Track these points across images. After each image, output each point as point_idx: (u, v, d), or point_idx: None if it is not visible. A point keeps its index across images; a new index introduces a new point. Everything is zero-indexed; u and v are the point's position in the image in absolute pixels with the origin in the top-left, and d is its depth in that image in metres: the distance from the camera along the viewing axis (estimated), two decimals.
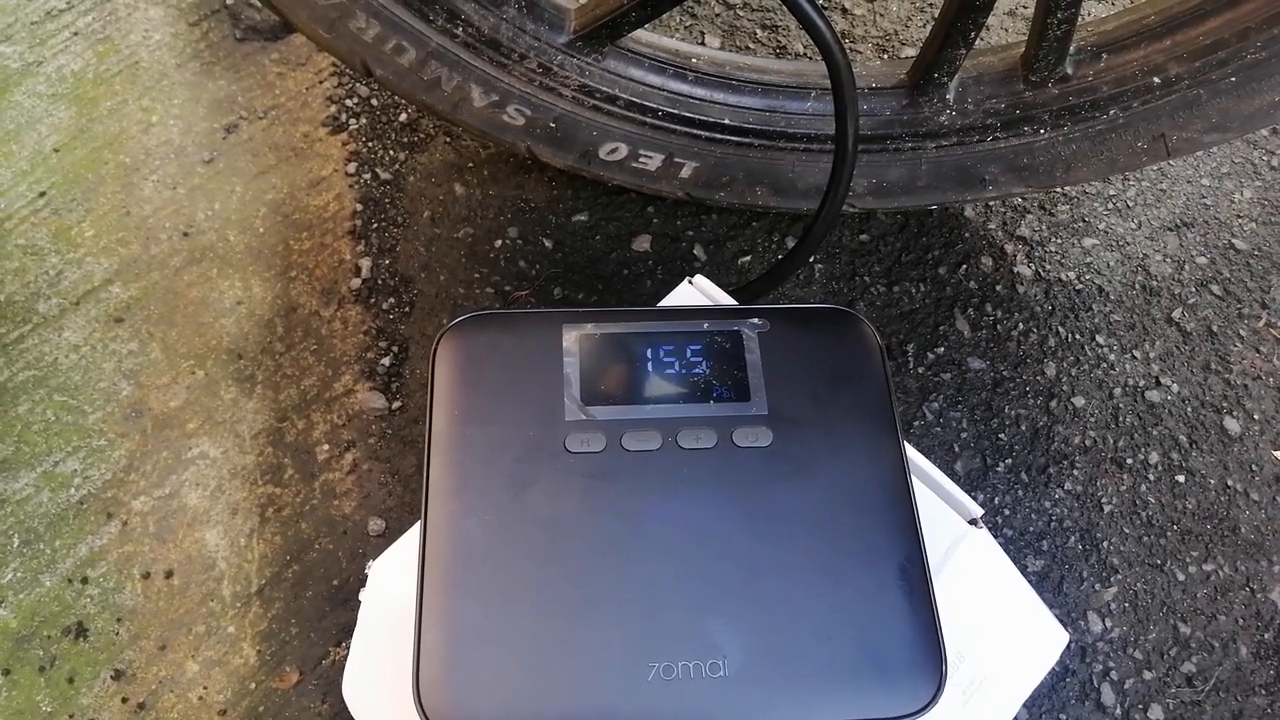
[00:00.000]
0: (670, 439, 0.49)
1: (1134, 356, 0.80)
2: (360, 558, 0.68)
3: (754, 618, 0.46)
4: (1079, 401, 0.77)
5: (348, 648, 0.55)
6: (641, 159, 0.73)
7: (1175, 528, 0.73)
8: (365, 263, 0.80)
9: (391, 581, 0.52)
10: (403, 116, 0.88)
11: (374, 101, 0.89)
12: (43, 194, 0.81)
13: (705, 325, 0.53)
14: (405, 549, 0.53)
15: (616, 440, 0.49)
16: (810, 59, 0.94)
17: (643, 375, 0.51)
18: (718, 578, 0.46)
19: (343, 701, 0.51)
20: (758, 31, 0.96)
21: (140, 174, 0.83)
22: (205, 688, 0.63)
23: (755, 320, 0.54)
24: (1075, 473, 0.74)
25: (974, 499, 0.55)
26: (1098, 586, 0.70)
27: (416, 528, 0.48)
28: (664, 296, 0.62)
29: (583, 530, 0.47)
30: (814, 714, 0.44)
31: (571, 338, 0.52)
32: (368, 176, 0.85)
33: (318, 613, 0.66)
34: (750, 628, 0.45)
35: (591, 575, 0.46)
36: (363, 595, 0.52)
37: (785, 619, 0.46)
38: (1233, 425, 0.77)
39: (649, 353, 0.52)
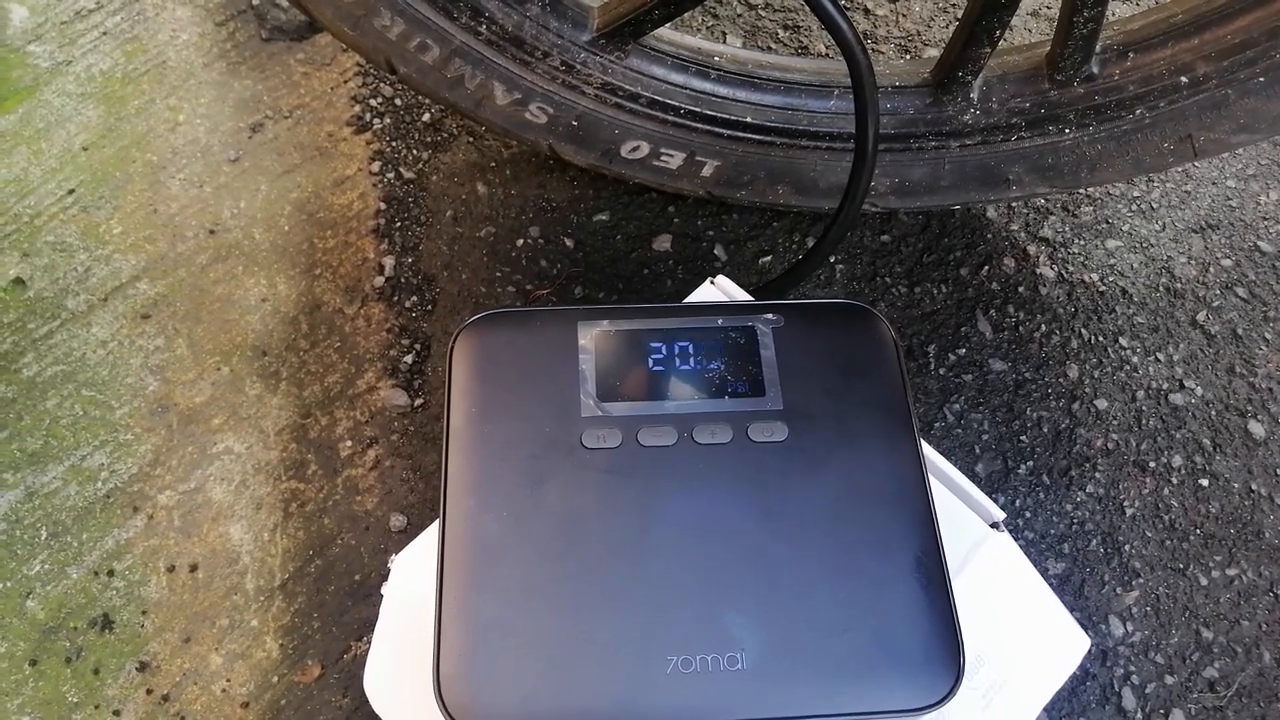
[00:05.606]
0: (686, 434, 0.49)
1: (1157, 359, 0.79)
2: (382, 553, 0.69)
3: (771, 611, 0.46)
4: (1101, 404, 0.77)
5: (369, 642, 0.56)
6: (663, 157, 0.73)
7: (1198, 532, 0.72)
8: (389, 261, 0.81)
9: (413, 576, 0.52)
10: (426, 116, 0.89)
11: (398, 101, 0.90)
12: (71, 191, 0.83)
13: (720, 321, 0.53)
14: (427, 544, 0.53)
15: (632, 436, 0.49)
16: (833, 57, 0.94)
17: (658, 371, 0.51)
18: (734, 571, 0.46)
19: (364, 695, 0.51)
20: (779, 32, 0.96)
21: (167, 172, 0.84)
22: (228, 680, 0.64)
23: (769, 316, 0.54)
24: (1097, 475, 0.74)
25: (995, 501, 0.55)
26: (1119, 590, 0.70)
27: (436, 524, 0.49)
28: (684, 296, 0.62)
29: (600, 525, 0.47)
30: (831, 706, 0.44)
31: (587, 335, 0.52)
32: (391, 175, 0.85)
33: (339, 607, 0.67)
34: (767, 621, 0.45)
35: (609, 569, 0.46)
36: (384, 590, 0.52)
37: (802, 612, 0.46)
38: (1257, 429, 0.76)
39: (664, 349, 0.52)
